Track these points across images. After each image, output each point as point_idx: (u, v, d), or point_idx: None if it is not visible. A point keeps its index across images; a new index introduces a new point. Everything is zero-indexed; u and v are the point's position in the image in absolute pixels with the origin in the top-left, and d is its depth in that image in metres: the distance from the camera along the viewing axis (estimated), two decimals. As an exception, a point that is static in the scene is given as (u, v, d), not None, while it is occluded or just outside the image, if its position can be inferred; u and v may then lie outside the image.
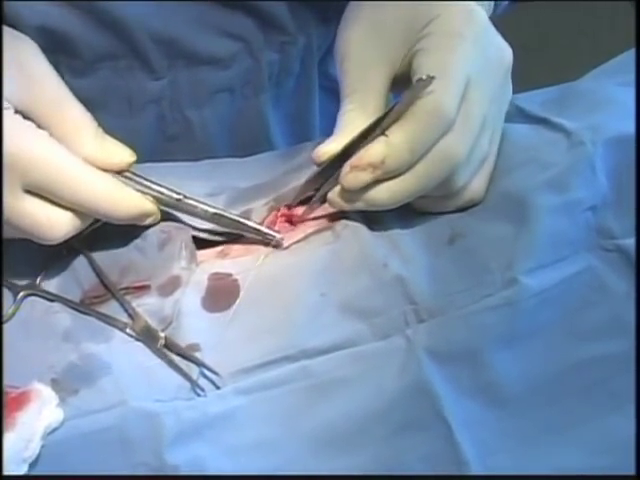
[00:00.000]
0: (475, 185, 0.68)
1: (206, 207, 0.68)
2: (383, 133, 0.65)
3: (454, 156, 0.65)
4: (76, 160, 0.65)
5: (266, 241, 0.68)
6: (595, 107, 0.72)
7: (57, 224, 0.64)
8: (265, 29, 0.83)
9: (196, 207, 0.68)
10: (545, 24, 1.62)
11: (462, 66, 0.66)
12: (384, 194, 0.66)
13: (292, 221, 0.70)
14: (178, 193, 0.68)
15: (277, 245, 0.68)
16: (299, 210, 0.70)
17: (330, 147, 0.67)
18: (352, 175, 0.66)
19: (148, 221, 0.68)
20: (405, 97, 0.64)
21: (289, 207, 0.71)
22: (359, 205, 0.67)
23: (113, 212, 0.65)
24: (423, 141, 0.64)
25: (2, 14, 0.74)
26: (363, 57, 0.69)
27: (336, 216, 0.69)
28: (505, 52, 0.70)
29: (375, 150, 0.65)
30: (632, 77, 0.74)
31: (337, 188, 0.67)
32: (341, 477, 0.59)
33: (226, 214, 0.69)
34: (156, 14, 0.78)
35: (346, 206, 0.67)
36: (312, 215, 0.70)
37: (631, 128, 0.69)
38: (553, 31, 1.65)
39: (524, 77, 0.75)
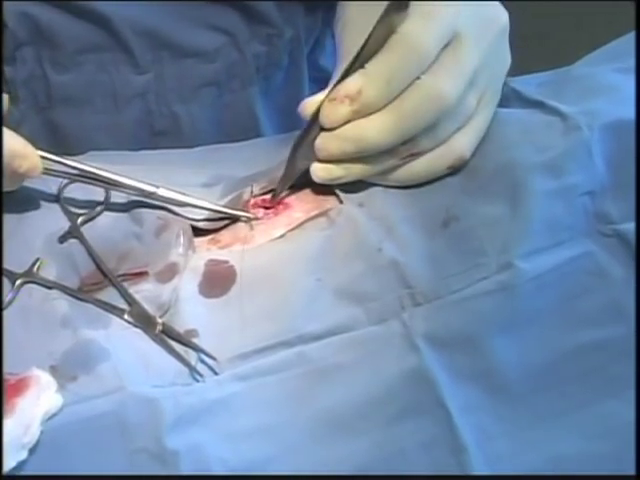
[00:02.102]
0: (461, 140, 0.67)
1: (180, 197, 0.68)
2: (362, 67, 0.64)
3: (442, 96, 0.64)
4: None
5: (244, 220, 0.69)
6: (591, 93, 0.72)
7: None
8: (250, 22, 0.82)
9: (170, 198, 0.68)
10: (543, 15, 1.62)
11: (448, 13, 0.65)
12: (373, 130, 0.65)
13: (267, 207, 0.70)
14: (152, 185, 0.68)
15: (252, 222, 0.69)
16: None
17: (316, 97, 0.66)
18: (330, 108, 0.64)
19: (24, 166, 0.65)
20: (377, 24, 0.63)
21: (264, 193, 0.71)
22: (348, 146, 0.65)
23: None
24: (399, 72, 0.63)
25: (2, 16, 0.74)
26: (364, 25, 0.66)
27: (328, 198, 0.69)
28: (501, 14, 0.69)
29: (351, 81, 0.64)
30: (629, 63, 0.74)
31: (324, 133, 0.66)
32: (339, 477, 0.59)
33: (198, 203, 0.69)
34: (138, 6, 0.78)
35: (334, 149, 0.66)
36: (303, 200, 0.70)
37: (628, 114, 0.69)
38: (551, 22, 1.65)
39: (522, 68, 0.75)
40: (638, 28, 0.76)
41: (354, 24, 0.70)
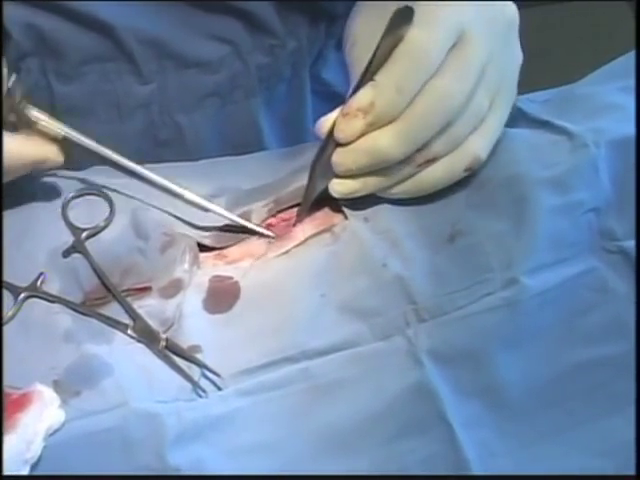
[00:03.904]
0: (475, 141, 0.67)
1: (204, 204, 0.69)
2: (372, 79, 0.65)
3: (451, 97, 0.64)
4: None
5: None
6: (596, 112, 0.72)
7: None
8: (253, 32, 0.82)
9: (194, 204, 0.69)
10: (546, 29, 1.62)
11: (451, 15, 0.65)
12: (386, 140, 0.65)
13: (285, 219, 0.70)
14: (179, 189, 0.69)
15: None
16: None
17: (330, 115, 0.67)
18: (344, 123, 0.65)
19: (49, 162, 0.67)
20: (384, 36, 0.64)
21: (288, 209, 0.70)
22: (363, 158, 0.66)
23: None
24: (409, 80, 0.64)
25: (2, 15, 0.74)
26: (371, 40, 0.66)
27: (335, 215, 0.69)
28: (507, 8, 0.69)
29: (363, 94, 0.64)
30: (632, 82, 0.74)
31: (339, 149, 0.66)
32: (341, 477, 0.59)
33: (224, 213, 0.69)
34: (142, 16, 0.78)
35: (350, 163, 0.66)
36: (311, 217, 0.70)
37: (633, 131, 0.70)
38: (554, 36, 1.65)
39: (526, 82, 0.75)
40: (638, 45, 0.75)
41: (362, 40, 0.70)
